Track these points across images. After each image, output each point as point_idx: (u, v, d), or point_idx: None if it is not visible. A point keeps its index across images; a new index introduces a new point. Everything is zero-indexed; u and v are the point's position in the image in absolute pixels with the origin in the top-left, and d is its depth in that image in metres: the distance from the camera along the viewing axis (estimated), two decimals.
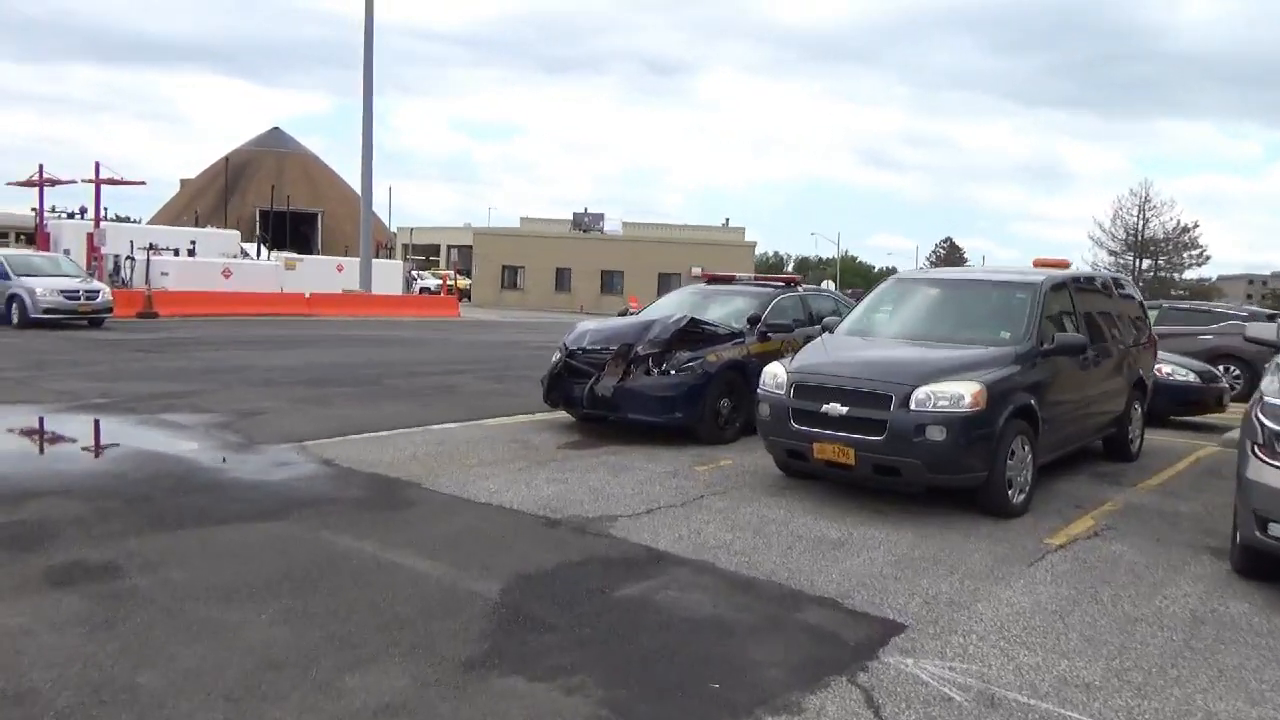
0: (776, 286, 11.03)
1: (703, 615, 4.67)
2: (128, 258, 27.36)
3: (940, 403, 6.51)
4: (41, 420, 9.62)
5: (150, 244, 28.81)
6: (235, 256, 32.29)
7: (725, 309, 10.59)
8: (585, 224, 59.88)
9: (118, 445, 8.60)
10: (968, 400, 6.50)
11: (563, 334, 10.46)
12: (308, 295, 29.92)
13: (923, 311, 8.23)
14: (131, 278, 27.25)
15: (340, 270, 35.64)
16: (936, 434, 6.44)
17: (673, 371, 9.16)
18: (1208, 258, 61.07)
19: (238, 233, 36.43)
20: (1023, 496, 7.00)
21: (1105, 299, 9.30)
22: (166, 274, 27.48)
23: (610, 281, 55.74)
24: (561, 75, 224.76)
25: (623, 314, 10.87)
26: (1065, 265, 9.68)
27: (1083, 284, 8.96)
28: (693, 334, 9.55)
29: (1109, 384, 8.70)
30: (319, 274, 34.28)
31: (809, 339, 9.87)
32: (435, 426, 9.81)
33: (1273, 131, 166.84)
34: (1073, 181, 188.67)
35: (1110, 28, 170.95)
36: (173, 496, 6.52)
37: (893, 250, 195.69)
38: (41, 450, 8.52)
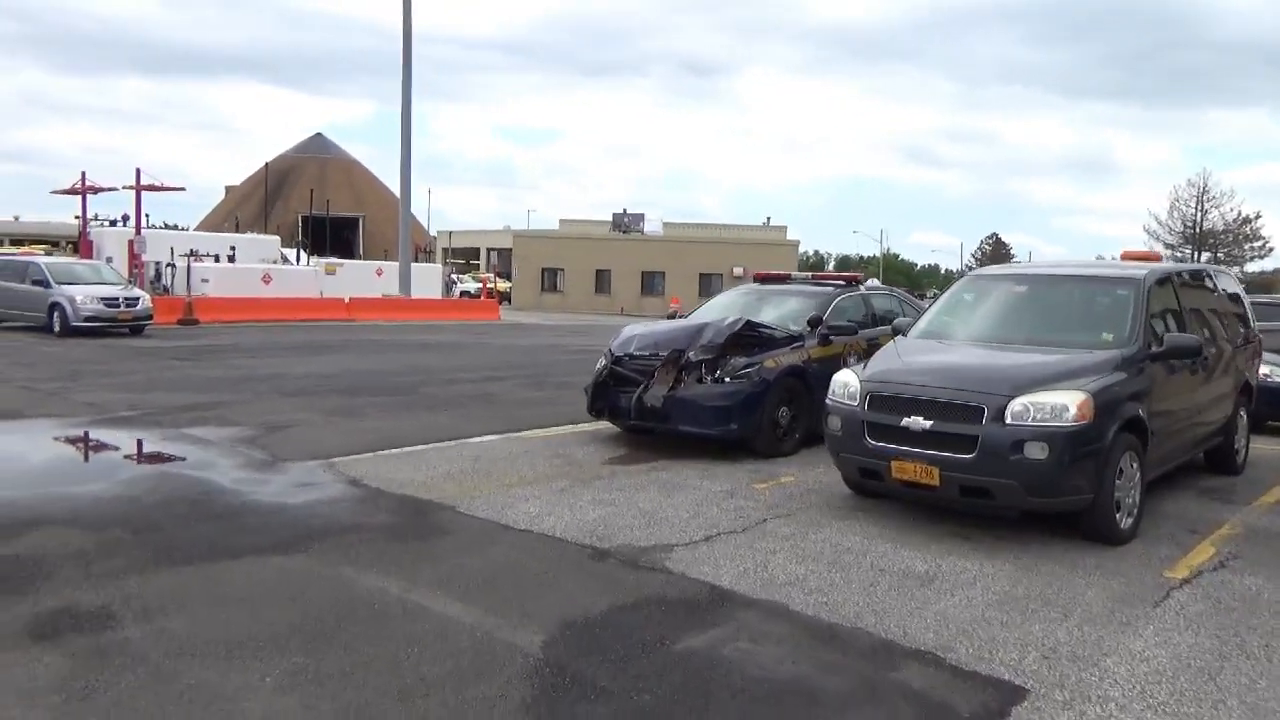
0: (836, 285, 10.25)
1: (782, 676, 3.95)
2: (168, 264, 27.21)
3: (1041, 415, 5.72)
4: (64, 436, 9.16)
5: (191, 250, 28.67)
6: (275, 262, 32.12)
7: (780, 310, 9.84)
8: (625, 224, 59.27)
9: (135, 464, 8.09)
10: (1073, 412, 5.71)
11: (607, 339, 9.77)
12: (347, 300, 29.61)
13: (1008, 312, 7.43)
14: (172, 284, 27.11)
15: (380, 275, 35.36)
16: (1037, 451, 5.66)
17: (727, 379, 8.44)
18: (1270, 249, 58.80)
19: (277, 238, 36.33)
20: (1131, 520, 6.18)
21: (1209, 294, 8.42)
22: (207, 280, 27.29)
23: (651, 283, 55.06)
24: (600, 78, 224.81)
25: (671, 317, 10.20)
26: (1156, 258, 8.85)
27: (1188, 279, 8.10)
28: (748, 338, 8.83)
29: (1216, 389, 7.83)
30: (359, 279, 34.03)
31: (873, 343, 9.14)
32: (472, 440, 9.20)
33: None
34: (1120, 174, 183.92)
35: (1156, 16, 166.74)
36: (185, 525, 5.94)
37: (937, 247, 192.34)
38: (56, 471, 8.03)
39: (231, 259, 30.67)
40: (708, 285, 54.39)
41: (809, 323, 9.21)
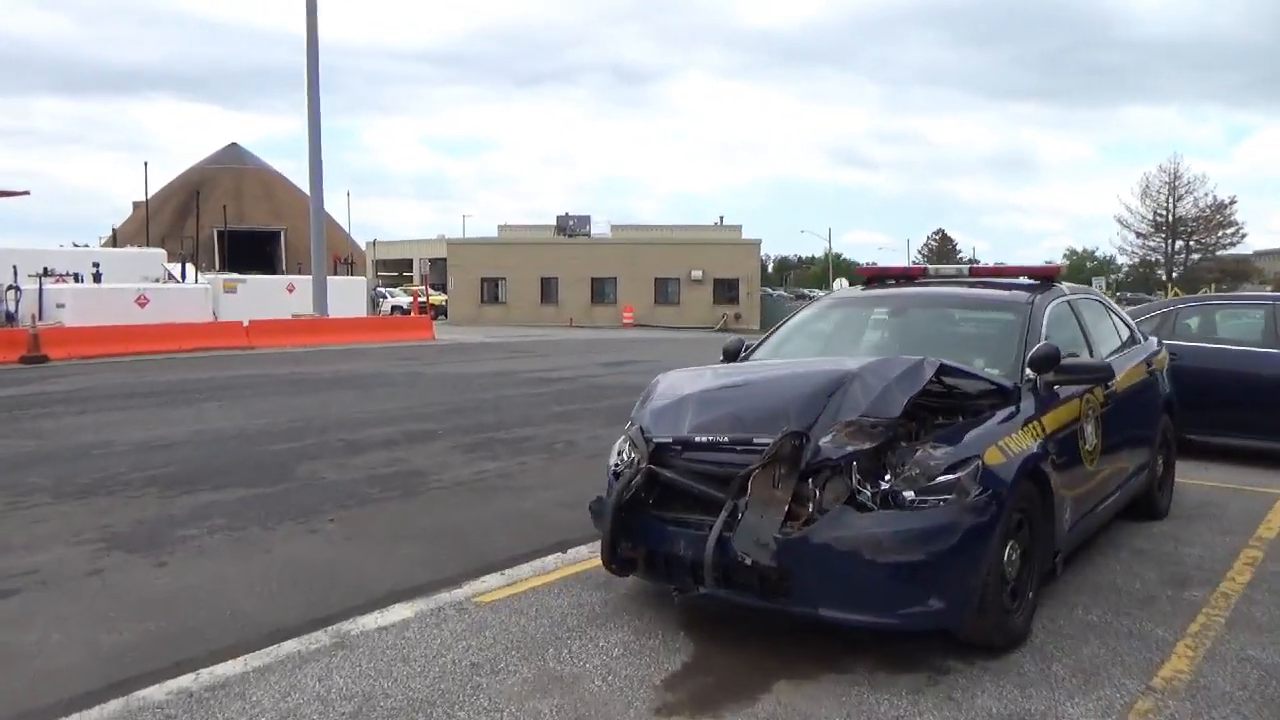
0: (1026, 287, 5.74)
1: None
2: (10, 287, 21.83)
3: None
4: None
5: (44, 269, 23.28)
6: (158, 281, 26.75)
7: (934, 337, 5.37)
8: (570, 228, 54.62)
9: None
10: None
11: (634, 407, 5.01)
12: (246, 324, 24.47)
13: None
14: (17, 311, 21.76)
15: (291, 291, 30.21)
16: None
17: (913, 496, 3.89)
18: (1244, 235, 56.60)
19: (162, 252, 30.87)
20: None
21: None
22: (63, 305, 21.99)
23: (602, 290, 50.49)
24: (532, 88, 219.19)
25: (735, 355, 5.54)
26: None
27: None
28: (935, 397, 4.34)
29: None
30: (266, 297, 28.86)
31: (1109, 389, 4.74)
32: (360, 627, 4.52)
33: (1234, 113, 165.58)
34: (1041, 172, 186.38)
35: (1071, 17, 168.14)
36: None
37: (882, 245, 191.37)
38: None
39: (96, 278, 25.21)
40: (664, 291, 50.10)
41: (1034, 363, 4.68)
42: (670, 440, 4.36)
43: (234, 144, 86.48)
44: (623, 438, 4.74)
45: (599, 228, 55.41)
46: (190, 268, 29.13)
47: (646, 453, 4.34)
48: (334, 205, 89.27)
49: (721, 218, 65.77)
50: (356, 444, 9.75)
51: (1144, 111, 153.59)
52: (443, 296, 52.13)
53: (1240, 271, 60.14)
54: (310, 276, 29.69)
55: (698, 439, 4.28)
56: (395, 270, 74.77)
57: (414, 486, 7.71)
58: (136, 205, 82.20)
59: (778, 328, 6.01)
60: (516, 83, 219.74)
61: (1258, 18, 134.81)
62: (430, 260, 66.02)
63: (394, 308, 46.13)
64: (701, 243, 53.09)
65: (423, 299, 34.36)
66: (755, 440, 4.10)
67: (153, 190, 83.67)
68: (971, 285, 5.92)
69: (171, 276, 28.17)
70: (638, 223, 62.83)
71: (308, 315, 27.91)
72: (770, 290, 66.04)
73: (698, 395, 4.55)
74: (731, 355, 5.64)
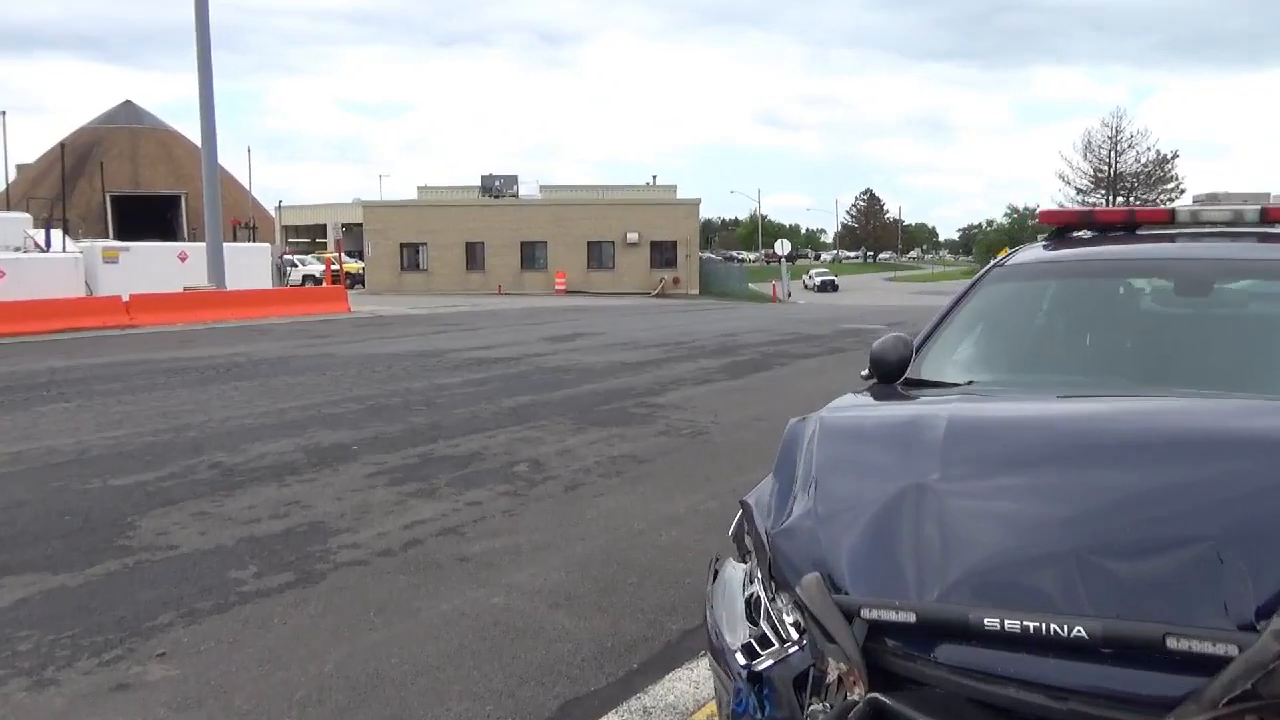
0: None
1: None
2: None
3: None
4: None
5: None
6: (18, 250, 22.95)
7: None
8: (496, 189, 51.17)
9: None
10: None
11: (763, 501, 2.33)
12: (126, 299, 21.01)
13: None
14: None
15: (183, 260, 26.63)
16: None
17: None
18: (1184, 190, 56.26)
19: (27, 217, 26.82)
20: None
21: None
22: None
23: (532, 255, 47.37)
24: (452, 49, 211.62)
25: (901, 368, 3.01)
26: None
27: None
28: None
29: None
30: (154, 267, 25.29)
31: None
32: None
33: (1139, 73, 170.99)
34: (958, 132, 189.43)
35: None
36: None
37: (810, 207, 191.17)
38: None
39: None
40: (598, 255, 47.28)
41: None
42: (913, 619, 1.77)
43: (128, 101, 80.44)
44: (747, 577, 2.18)
45: (527, 189, 52.10)
46: (57, 234, 25.26)
47: (862, 669, 1.74)
48: (234, 164, 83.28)
49: (654, 177, 63.09)
50: (236, 473, 6.95)
51: (1055, 72, 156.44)
52: (359, 264, 48.42)
53: None
54: (205, 244, 26.13)
55: (996, 624, 1.70)
56: (308, 237, 70.26)
57: (310, 562, 4.99)
58: (21, 169, 75.57)
59: (945, 316, 3.44)
60: (437, 42, 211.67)
61: None
62: (345, 225, 61.86)
63: (305, 277, 42.40)
64: (637, 203, 50.31)
65: (336, 267, 30.91)
66: (1172, 639, 1.57)
67: (39, 152, 77.14)
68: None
69: (37, 245, 24.32)
70: (567, 184, 59.60)
71: (202, 288, 24.46)
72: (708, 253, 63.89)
73: (970, 507, 1.97)
74: (893, 367, 3.07)
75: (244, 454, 7.57)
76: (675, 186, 58.34)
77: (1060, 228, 3.94)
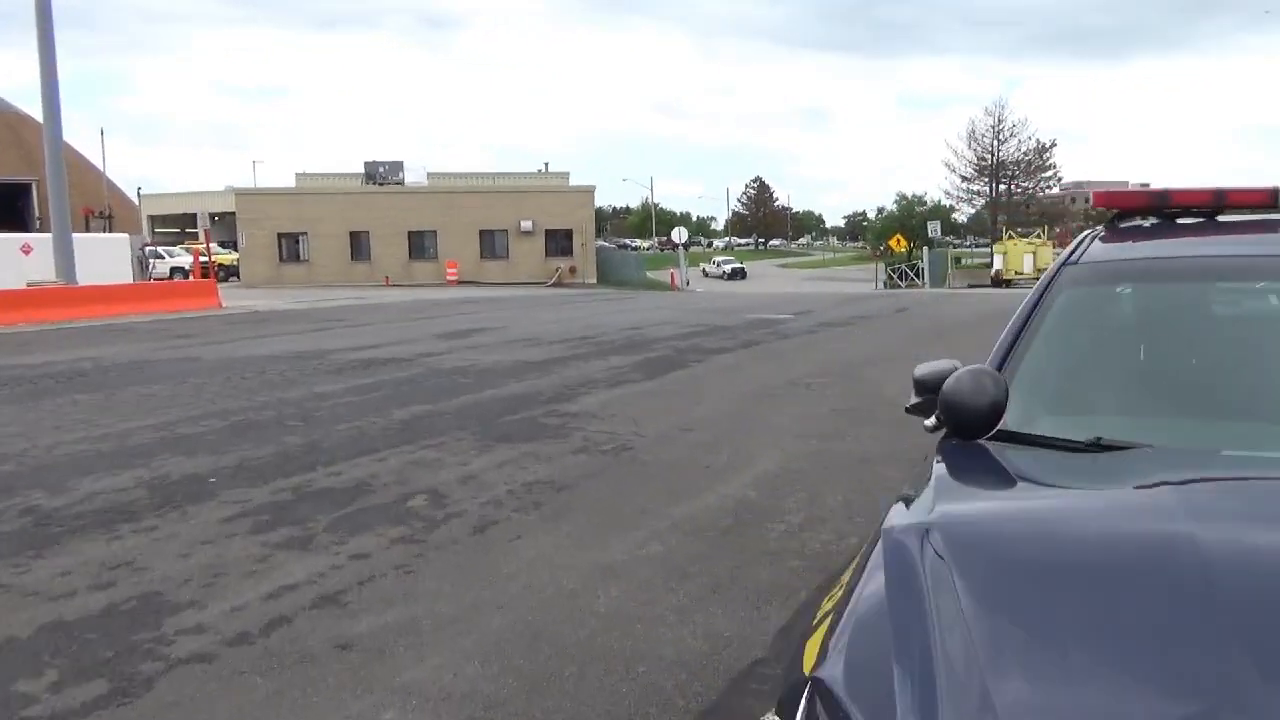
0: None
1: None
2: None
3: None
4: None
5: None
6: None
7: None
8: (381, 175, 48.83)
9: None
10: None
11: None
12: None
13: None
14: None
15: (27, 253, 24.02)
16: None
17: None
18: (1060, 178, 58.15)
19: None
20: None
21: None
22: None
23: (420, 244, 45.33)
24: (332, 31, 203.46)
25: (962, 411, 2.02)
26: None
27: None
28: None
29: None
30: None
31: None
32: None
33: (1010, 65, 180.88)
34: (843, 121, 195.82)
35: None
36: None
37: (701, 194, 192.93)
38: None
39: None
40: (490, 244, 45.65)
41: None
42: None
43: None
44: None
45: (414, 175, 49.91)
46: None
47: None
48: (91, 148, 77.51)
49: (546, 165, 61.63)
50: (55, 521, 5.55)
51: (930, 63, 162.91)
52: (233, 255, 45.48)
53: (1057, 213, 62.19)
54: (53, 235, 23.57)
55: None
56: (178, 227, 66.03)
57: (135, 661, 3.72)
58: None
59: (1020, 333, 2.48)
60: (316, 24, 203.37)
61: None
62: (216, 214, 58.24)
63: (173, 270, 39.47)
64: (530, 190, 48.89)
65: (205, 259, 28.57)
66: None
67: None
68: None
69: None
70: (457, 171, 57.51)
71: (49, 283, 22.04)
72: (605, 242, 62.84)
73: None
74: (980, 417, 2.06)
75: (69, 494, 6.15)
76: (568, 173, 57.12)
77: (1125, 211, 3.03)
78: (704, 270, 62.44)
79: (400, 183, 48.55)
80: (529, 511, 5.65)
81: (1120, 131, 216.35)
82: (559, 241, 45.46)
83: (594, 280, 44.52)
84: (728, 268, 61.60)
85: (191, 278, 30.33)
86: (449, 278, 42.41)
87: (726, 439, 7.65)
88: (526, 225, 44.84)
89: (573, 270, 44.47)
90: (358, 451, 7.26)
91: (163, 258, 40.66)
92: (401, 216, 44.92)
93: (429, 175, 51.44)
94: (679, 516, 5.50)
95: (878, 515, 6.06)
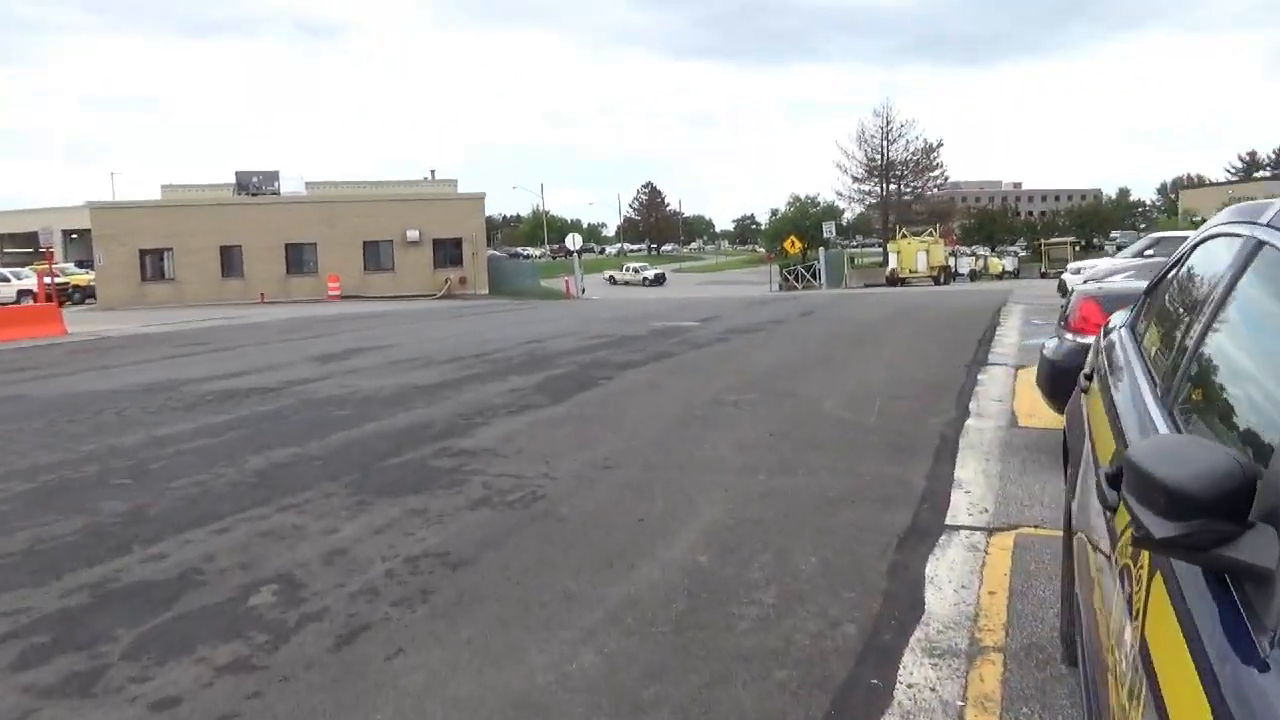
0: None
1: None
2: None
3: None
4: None
5: None
6: None
7: None
8: (254, 185, 45.86)
9: None
10: None
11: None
12: None
13: None
14: None
15: None
16: None
17: None
18: (947, 178, 59.22)
19: None
20: None
21: None
22: None
23: (299, 258, 42.68)
24: (205, 40, 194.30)
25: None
26: None
27: None
28: None
29: None
30: None
31: None
32: None
33: (887, 72, 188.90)
34: (730, 126, 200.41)
35: None
36: None
37: (593, 201, 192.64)
38: None
39: None
40: (375, 256, 43.41)
41: None
42: None
43: None
44: None
45: (291, 185, 47.08)
46: None
47: None
48: None
49: (433, 172, 59.40)
50: None
51: (813, 70, 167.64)
52: (90, 275, 41.91)
53: (944, 212, 63.40)
54: None
55: None
56: (30, 247, 60.96)
57: None
58: None
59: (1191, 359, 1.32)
60: (186, 33, 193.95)
61: None
62: (74, 232, 53.99)
63: (21, 293, 35.97)
64: (417, 199, 46.76)
65: (49, 280, 25.69)
66: None
67: None
68: None
69: None
70: (338, 179, 54.74)
71: None
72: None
73: None
74: (1218, 501, 0.92)
75: None
76: (456, 181, 55.08)
77: None
78: (611, 277, 61.88)
79: (276, 193, 45.69)
80: (415, 605, 4.24)
81: (992, 134, 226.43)
82: (448, 251, 43.55)
83: (486, 291, 42.78)
84: (651, 274, 61.76)
85: (35, 301, 27.36)
86: (331, 293, 40.01)
87: (658, 478, 6.38)
88: (413, 235, 42.76)
89: (463, 281, 42.62)
90: (193, 520, 5.69)
91: (9, 280, 37.07)
92: (278, 229, 42.22)
93: (307, 185, 48.68)
94: (615, 602, 4.19)
95: (865, 582, 4.49)
